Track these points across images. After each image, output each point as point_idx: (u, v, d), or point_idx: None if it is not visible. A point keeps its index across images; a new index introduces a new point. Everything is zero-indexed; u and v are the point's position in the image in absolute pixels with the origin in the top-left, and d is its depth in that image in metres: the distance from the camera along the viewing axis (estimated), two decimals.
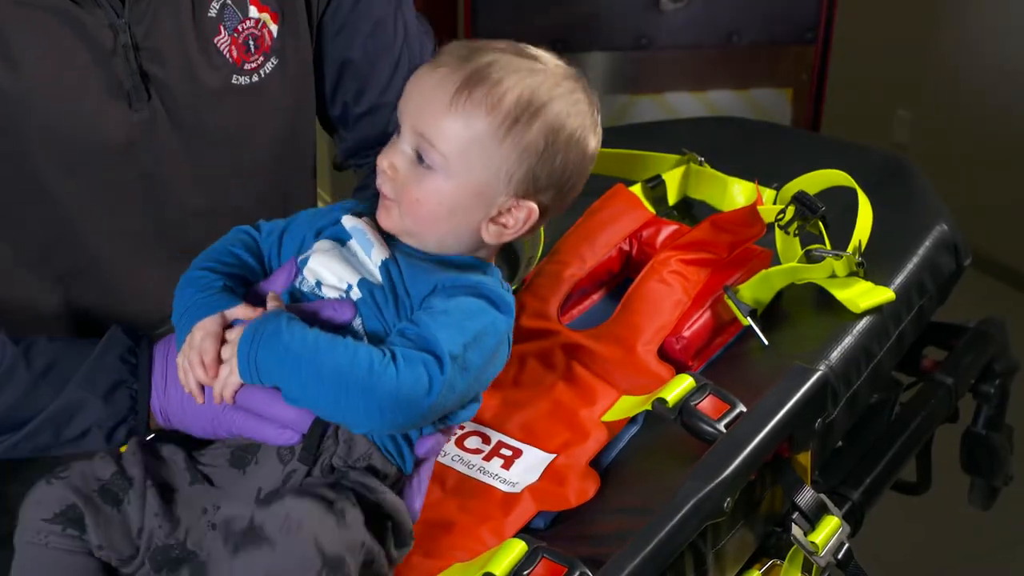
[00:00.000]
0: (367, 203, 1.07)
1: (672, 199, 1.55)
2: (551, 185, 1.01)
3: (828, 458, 1.34)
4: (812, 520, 1.14)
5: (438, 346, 0.94)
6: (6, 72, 1.09)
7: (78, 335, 1.22)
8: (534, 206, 1.01)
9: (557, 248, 1.41)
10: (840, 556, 1.16)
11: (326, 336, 0.95)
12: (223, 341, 0.98)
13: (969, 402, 1.57)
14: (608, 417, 1.20)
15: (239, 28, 1.21)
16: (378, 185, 1.02)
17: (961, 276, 1.49)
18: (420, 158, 0.99)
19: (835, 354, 1.23)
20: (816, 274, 1.31)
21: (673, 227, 1.44)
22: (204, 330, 0.98)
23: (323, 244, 1.03)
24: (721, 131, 1.76)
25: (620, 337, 1.27)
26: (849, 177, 1.36)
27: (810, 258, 1.32)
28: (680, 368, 1.26)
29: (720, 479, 1.04)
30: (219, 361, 0.98)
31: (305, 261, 1.03)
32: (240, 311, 0.99)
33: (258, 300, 1.02)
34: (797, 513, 1.14)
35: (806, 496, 1.14)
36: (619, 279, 1.45)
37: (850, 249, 1.29)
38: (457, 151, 0.98)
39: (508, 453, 1.16)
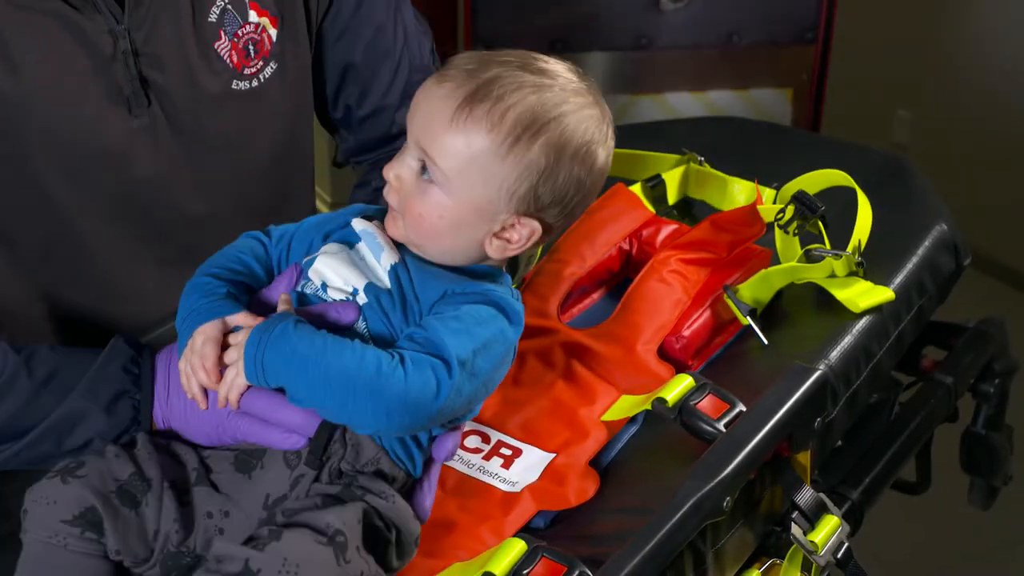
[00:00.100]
0: (378, 208, 1.06)
1: (672, 199, 1.55)
2: (554, 203, 1.00)
3: (828, 457, 1.34)
4: (812, 519, 1.14)
5: (447, 350, 0.94)
6: (6, 75, 1.09)
7: (75, 337, 1.22)
8: (537, 225, 1.00)
9: (557, 247, 1.41)
10: (840, 555, 1.16)
11: (334, 338, 0.94)
12: (224, 346, 0.98)
13: (969, 402, 1.57)
14: (608, 416, 1.20)
15: (239, 33, 1.21)
16: (384, 195, 1.01)
17: (961, 276, 1.49)
18: (424, 171, 0.99)
19: (835, 354, 1.23)
20: (816, 274, 1.31)
21: (673, 227, 1.45)
22: (205, 335, 0.98)
23: (330, 247, 1.03)
24: (721, 131, 1.75)
25: (620, 336, 1.28)
26: (849, 177, 1.36)
27: (810, 258, 1.32)
28: (680, 367, 1.26)
29: (720, 478, 1.04)
30: (220, 366, 0.97)
31: (310, 263, 1.02)
32: (241, 318, 0.99)
33: (261, 308, 1.02)
34: (797, 512, 1.14)
35: (806, 495, 1.14)
36: (619, 278, 1.45)
37: (850, 249, 1.29)
38: (458, 168, 0.97)
39: (508, 452, 1.16)
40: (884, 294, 1.30)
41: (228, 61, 1.21)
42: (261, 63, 1.24)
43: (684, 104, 2.80)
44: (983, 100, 3.59)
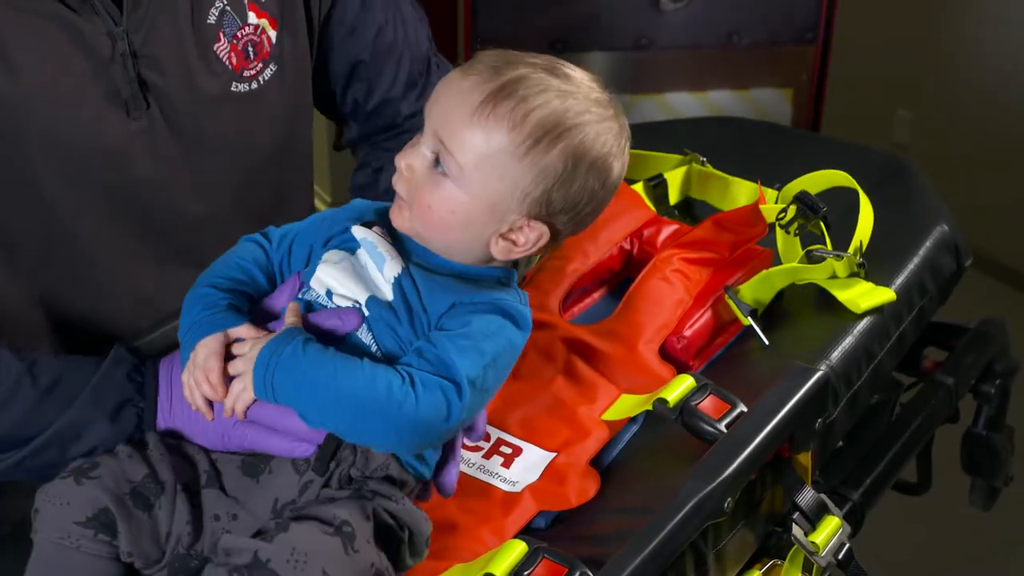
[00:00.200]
0: (375, 210, 1.06)
1: (674, 199, 1.55)
2: (566, 209, 0.99)
3: (829, 458, 1.34)
4: (813, 520, 1.14)
5: (457, 373, 0.94)
6: (4, 77, 1.09)
7: (75, 339, 1.22)
8: (545, 229, 1.00)
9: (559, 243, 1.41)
10: (841, 556, 1.16)
11: (344, 359, 0.94)
12: (228, 357, 0.97)
13: (969, 402, 1.57)
14: (608, 416, 1.20)
15: (238, 35, 1.21)
16: (393, 183, 1.00)
17: (962, 276, 1.49)
18: (438, 162, 0.98)
19: (836, 354, 1.23)
20: (817, 274, 1.31)
21: (674, 227, 1.44)
22: (207, 348, 0.97)
23: (331, 255, 1.02)
24: (721, 131, 1.75)
25: (622, 335, 1.27)
26: (851, 178, 1.36)
27: (811, 258, 1.32)
28: (681, 368, 1.26)
29: (721, 479, 1.04)
30: (225, 378, 0.97)
31: (311, 273, 1.02)
32: (244, 331, 0.98)
33: (264, 317, 1.02)
34: (798, 513, 1.14)
35: (807, 496, 1.14)
36: (620, 278, 1.45)
37: (851, 250, 1.29)
38: (474, 162, 0.96)
39: (508, 451, 1.16)
40: (885, 295, 1.30)
41: (227, 63, 1.21)
42: (260, 65, 1.23)
43: (684, 104, 2.80)
44: (983, 100, 3.59)
